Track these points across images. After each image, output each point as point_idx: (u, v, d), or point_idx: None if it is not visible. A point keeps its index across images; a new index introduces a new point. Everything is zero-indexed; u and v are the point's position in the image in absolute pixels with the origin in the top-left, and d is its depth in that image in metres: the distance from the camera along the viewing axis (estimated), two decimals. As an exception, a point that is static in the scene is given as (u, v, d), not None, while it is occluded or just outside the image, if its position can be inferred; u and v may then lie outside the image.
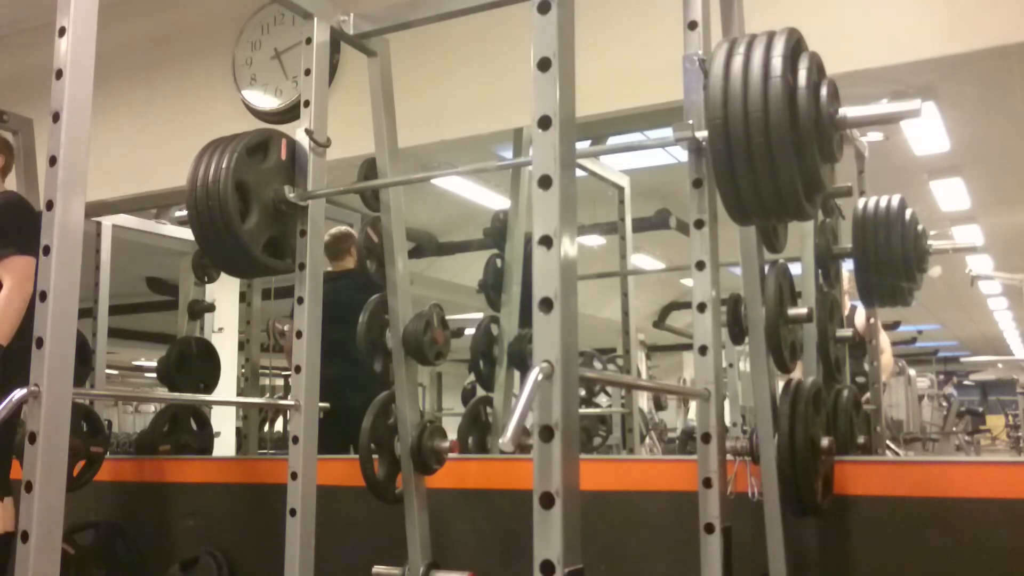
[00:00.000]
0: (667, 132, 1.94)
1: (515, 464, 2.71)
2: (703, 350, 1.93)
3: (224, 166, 2.26)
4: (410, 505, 2.33)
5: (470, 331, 3.61)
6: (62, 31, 1.74)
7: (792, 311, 2.31)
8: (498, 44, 3.26)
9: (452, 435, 2.72)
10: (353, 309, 2.51)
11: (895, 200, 2.87)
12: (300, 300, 2.29)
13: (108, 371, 4.66)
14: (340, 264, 4.01)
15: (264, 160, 2.33)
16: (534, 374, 1.29)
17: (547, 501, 1.29)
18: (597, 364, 4.47)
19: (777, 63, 1.63)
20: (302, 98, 2.41)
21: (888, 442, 4.21)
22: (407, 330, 2.39)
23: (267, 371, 4.31)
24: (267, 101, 3.82)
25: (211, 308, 4.43)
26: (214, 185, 2.26)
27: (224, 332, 4.66)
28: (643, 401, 5.79)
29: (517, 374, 3.41)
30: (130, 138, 4.11)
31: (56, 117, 1.71)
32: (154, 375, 4.11)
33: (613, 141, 3.62)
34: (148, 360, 10.58)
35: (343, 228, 4.07)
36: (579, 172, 1.52)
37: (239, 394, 4.63)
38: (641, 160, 4.82)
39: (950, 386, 11.26)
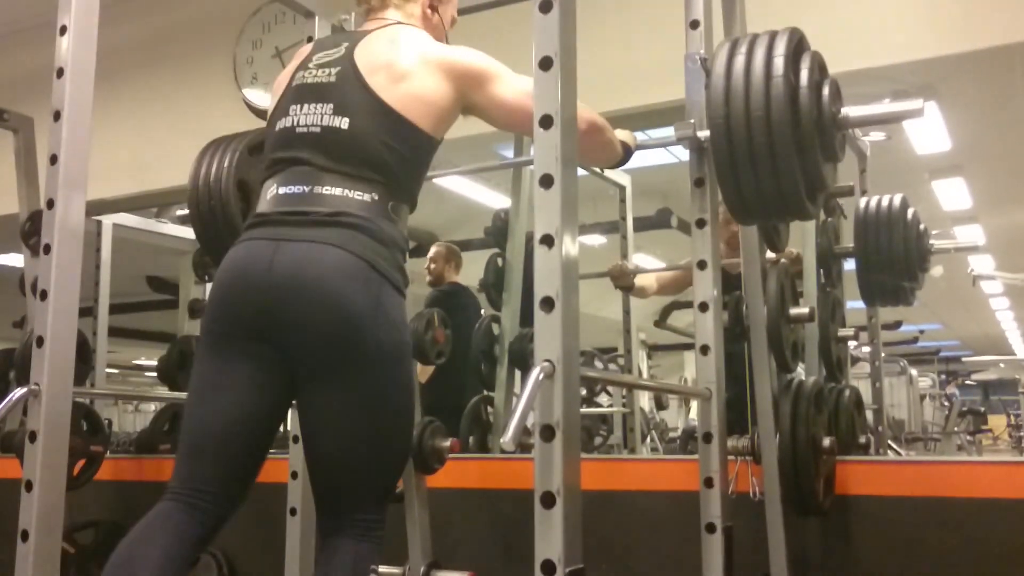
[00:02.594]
0: (669, 131, 1.94)
1: (516, 463, 2.71)
2: (704, 349, 1.92)
3: (226, 165, 2.26)
4: (411, 504, 2.32)
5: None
6: (63, 29, 1.74)
7: (794, 311, 2.30)
8: (499, 43, 3.25)
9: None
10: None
11: (897, 199, 2.86)
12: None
13: (108, 370, 4.66)
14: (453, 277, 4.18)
15: (265, 159, 2.32)
16: (535, 373, 1.29)
17: (548, 500, 1.28)
18: (598, 363, 4.47)
19: (779, 63, 1.63)
20: (303, 97, 2.40)
21: (890, 442, 4.21)
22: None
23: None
24: (268, 100, 3.82)
25: (212, 307, 4.42)
26: (216, 184, 2.26)
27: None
28: (644, 401, 5.79)
29: (518, 373, 3.41)
30: (131, 137, 4.11)
31: (57, 116, 1.71)
32: (155, 374, 4.11)
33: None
34: (148, 359, 10.59)
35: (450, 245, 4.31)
36: (580, 171, 1.51)
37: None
38: (643, 159, 4.82)
39: (953, 386, 11.26)
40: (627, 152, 2.05)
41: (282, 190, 1.74)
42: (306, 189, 1.71)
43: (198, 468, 1.67)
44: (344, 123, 1.75)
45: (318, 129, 1.76)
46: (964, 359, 12.24)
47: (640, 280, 3.72)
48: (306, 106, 1.79)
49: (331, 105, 1.77)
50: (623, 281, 3.62)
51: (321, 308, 1.63)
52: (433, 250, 4.26)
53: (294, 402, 1.76)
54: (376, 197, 1.72)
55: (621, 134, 2.04)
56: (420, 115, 1.77)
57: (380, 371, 1.68)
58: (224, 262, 1.74)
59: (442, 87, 1.79)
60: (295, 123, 1.79)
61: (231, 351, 1.69)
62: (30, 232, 3.50)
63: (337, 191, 1.70)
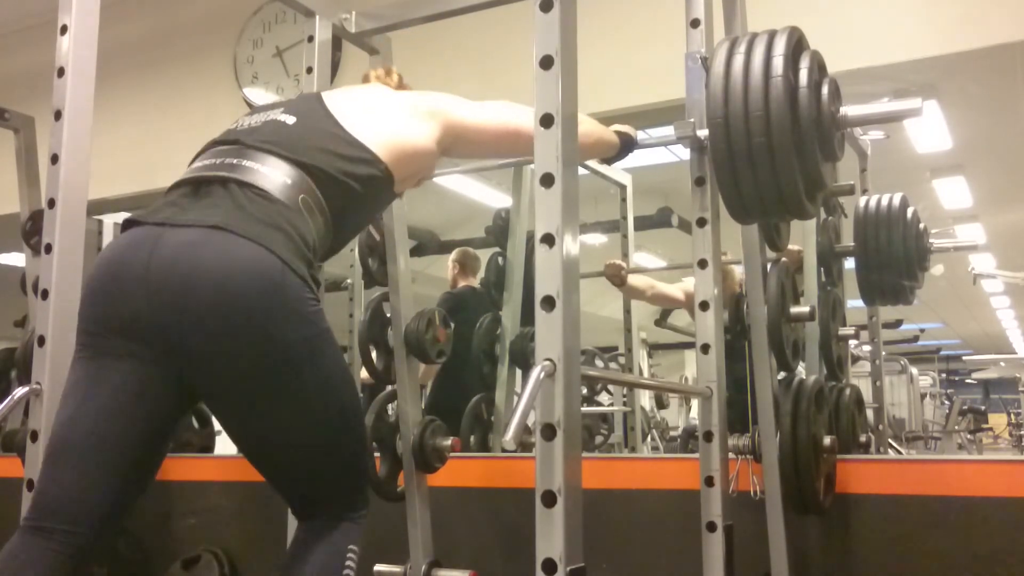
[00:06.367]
0: (669, 130, 1.94)
1: (517, 462, 2.71)
2: (705, 348, 1.92)
3: (226, 164, 2.25)
4: (412, 503, 2.32)
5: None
6: (64, 29, 1.74)
7: (794, 309, 2.30)
8: (500, 41, 3.26)
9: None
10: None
11: (896, 198, 2.86)
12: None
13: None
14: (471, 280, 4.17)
15: (266, 158, 2.32)
16: (536, 372, 1.29)
17: (549, 499, 1.28)
18: (599, 362, 4.47)
19: (778, 62, 1.63)
20: (304, 96, 2.41)
21: (890, 440, 4.21)
22: (408, 328, 2.39)
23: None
24: (269, 99, 3.82)
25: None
26: (216, 183, 2.24)
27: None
28: (645, 399, 5.78)
29: (519, 372, 3.41)
30: (132, 136, 4.11)
31: (58, 115, 1.71)
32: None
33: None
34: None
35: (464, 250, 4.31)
36: (581, 170, 1.51)
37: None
38: (643, 158, 4.81)
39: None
40: (628, 144, 2.05)
41: (197, 163, 1.65)
42: (218, 161, 1.60)
43: (59, 490, 1.45)
44: (290, 120, 1.69)
45: (259, 123, 1.70)
46: (965, 358, 12.23)
47: (634, 280, 3.81)
48: (256, 115, 1.75)
49: (281, 108, 1.73)
50: (617, 279, 3.82)
51: (211, 311, 1.42)
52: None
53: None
54: (289, 183, 1.57)
55: (621, 128, 2.05)
56: (386, 150, 1.70)
57: (296, 374, 1.50)
58: (102, 251, 1.54)
59: (422, 128, 1.78)
60: (238, 126, 1.73)
61: (104, 356, 1.49)
62: (31, 231, 3.51)
63: (249, 163, 1.57)
